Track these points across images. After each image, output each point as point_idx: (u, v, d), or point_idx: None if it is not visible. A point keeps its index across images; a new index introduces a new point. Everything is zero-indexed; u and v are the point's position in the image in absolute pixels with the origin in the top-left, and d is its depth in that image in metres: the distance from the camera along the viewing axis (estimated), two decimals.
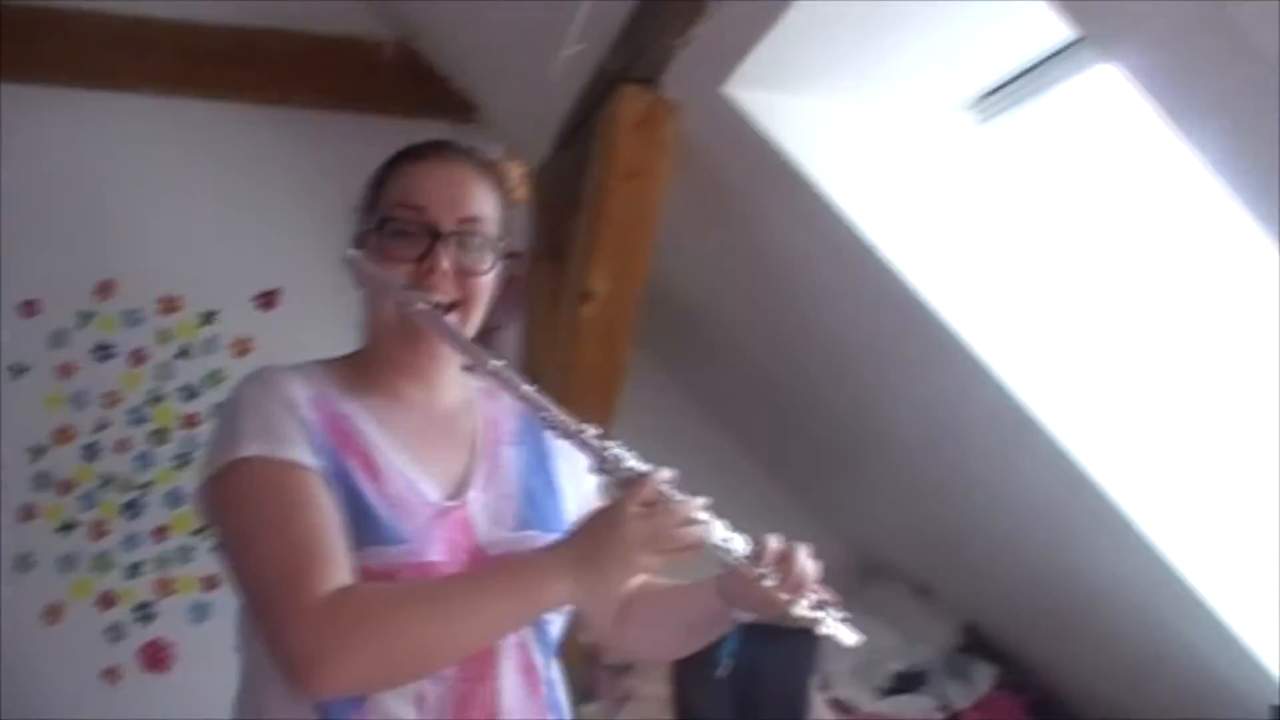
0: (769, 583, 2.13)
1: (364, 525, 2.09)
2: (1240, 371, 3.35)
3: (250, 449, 2.09)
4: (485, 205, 2.27)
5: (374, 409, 2.23)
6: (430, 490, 2.18)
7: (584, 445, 2.08)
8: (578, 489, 2.38)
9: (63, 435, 5.04)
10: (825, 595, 2.23)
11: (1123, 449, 3.42)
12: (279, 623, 2.01)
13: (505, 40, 4.35)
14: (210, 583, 4.96)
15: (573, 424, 2.09)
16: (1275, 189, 2.36)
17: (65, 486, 5.03)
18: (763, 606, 2.20)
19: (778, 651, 4.16)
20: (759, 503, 4.00)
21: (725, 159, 3.68)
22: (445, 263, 2.20)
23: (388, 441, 2.19)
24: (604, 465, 2.06)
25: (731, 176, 3.75)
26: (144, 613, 5.07)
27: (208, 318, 5.14)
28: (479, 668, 2.14)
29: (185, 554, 5.06)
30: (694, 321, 4.93)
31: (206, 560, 4.89)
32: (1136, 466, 3.42)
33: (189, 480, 4.84)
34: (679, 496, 2.03)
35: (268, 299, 5.14)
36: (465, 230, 2.23)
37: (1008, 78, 3.29)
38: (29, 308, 5.00)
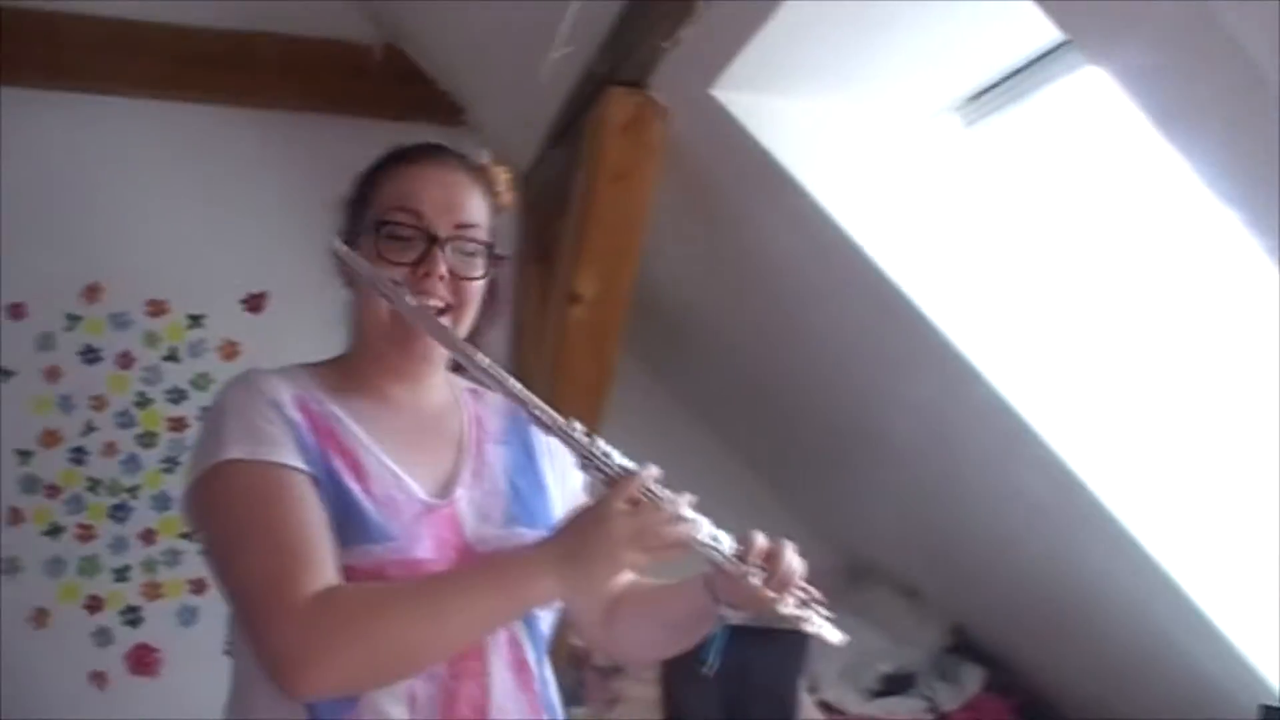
0: (754, 580, 2.13)
1: (352, 524, 2.09)
2: (1231, 375, 3.36)
3: (234, 452, 2.09)
4: (479, 211, 2.28)
5: (360, 410, 2.23)
6: (417, 489, 2.19)
7: (572, 442, 2.08)
8: (564, 487, 2.39)
9: (50, 438, 5.03)
10: (811, 593, 2.23)
11: (1113, 451, 3.42)
12: (264, 625, 2.01)
13: (493, 43, 4.35)
14: (198, 586, 4.95)
15: (561, 421, 2.09)
16: (1263, 191, 2.36)
17: (53, 490, 5.02)
18: (749, 604, 2.20)
19: (767, 653, 4.17)
20: (746, 504, 3.99)
21: (713, 161, 3.68)
22: (442, 268, 2.20)
23: (374, 441, 2.19)
24: (591, 462, 2.06)
25: (719, 178, 3.76)
26: (132, 616, 5.06)
27: (195, 321, 5.13)
28: (470, 665, 2.14)
29: (173, 557, 5.06)
30: (682, 323, 4.93)
31: (194, 564, 4.85)
32: (1127, 469, 3.43)
33: (177, 483, 4.83)
34: (665, 494, 2.03)
35: (255, 302, 5.14)
36: (460, 236, 2.24)
37: (995, 80, 3.30)
38: (16, 310, 4.99)
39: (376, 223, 2.23)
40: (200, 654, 4.61)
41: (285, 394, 2.17)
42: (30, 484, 5.01)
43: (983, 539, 4.14)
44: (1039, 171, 3.47)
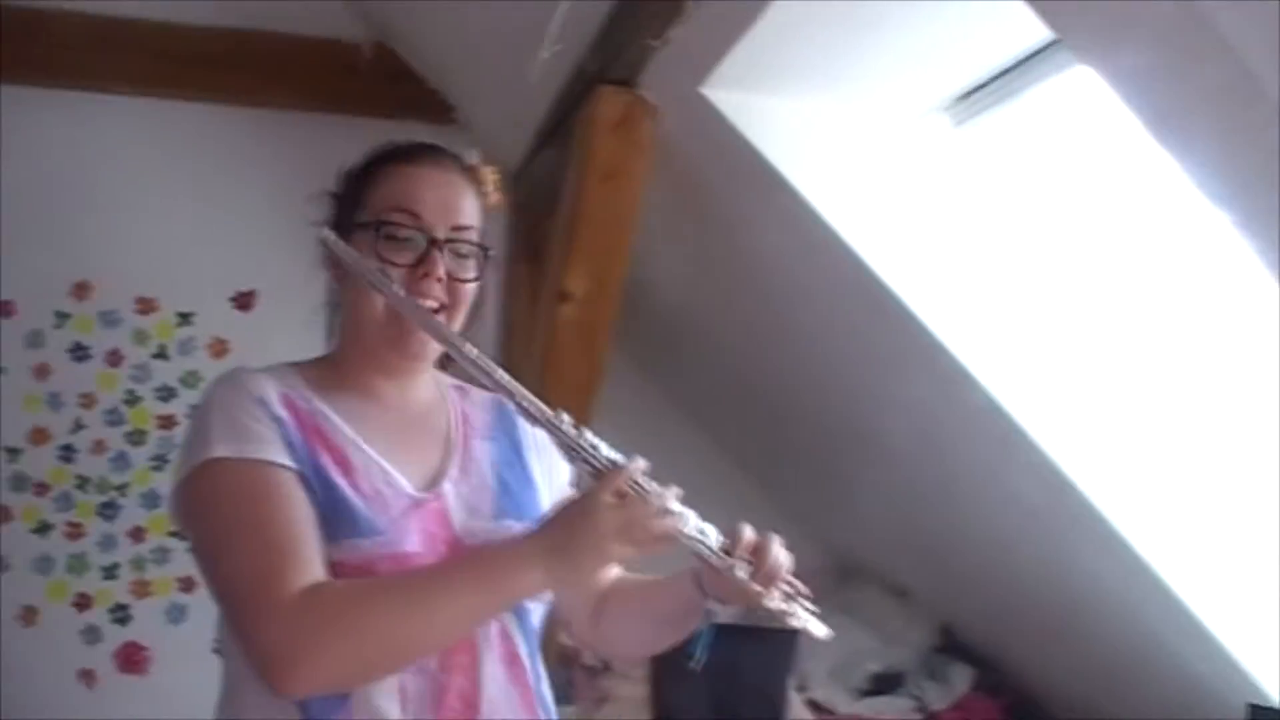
0: (740, 573, 2.13)
1: (340, 519, 2.08)
2: (1224, 376, 3.37)
3: (221, 450, 2.08)
4: (473, 213, 2.28)
5: (348, 407, 2.23)
6: (405, 483, 2.18)
7: (559, 434, 2.08)
8: (552, 482, 2.39)
9: (39, 436, 5.02)
10: (797, 587, 2.23)
11: (1104, 452, 3.43)
12: (252, 623, 2.01)
13: (484, 41, 4.35)
14: (187, 584, 4.95)
15: (549, 413, 2.09)
16: (1255, 193, 2.37)
17: (41, 488, 5.02)
18: (736, 598, 2.20)
19: (756, 652, 4.18)
20: (736, 503, 3.98)
21: (703, 160, 3.68)
22: (441, 270, 2.20)
23: (362, 437, 2.19)
24: (579, 454, 2.06)
25: (709, 177, 3.76)
26: (121, 614, 5.06)
27: (184, 319, 5.13)
28: (461, 659, 2.14)
29: (162, 555, 5.05)
30: (672, 322, 4.93)
31: (183, 561, 4.86)
32: (1118, 470, 3.44)
33: (166, 481, 4.79)
34: (652, 487, 2.03)
35: (244, 300, 5.13)
36: (457, 238, 2.24)
37: (984, 79, 3.30)
38: (5, 308, 4.98)
39: (375, 223, 2.22)
40: (189, 652, 4.61)
41: (272, 392, 2.17)
42: (19, 482, 5.00)
43: (973, 539, 4.14)
44: (1029, 171, 3.48)
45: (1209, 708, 3.66)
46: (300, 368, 2.30)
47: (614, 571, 2.47)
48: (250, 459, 2.08)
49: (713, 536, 2.13)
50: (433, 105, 5.11)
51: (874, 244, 3.36)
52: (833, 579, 5.12)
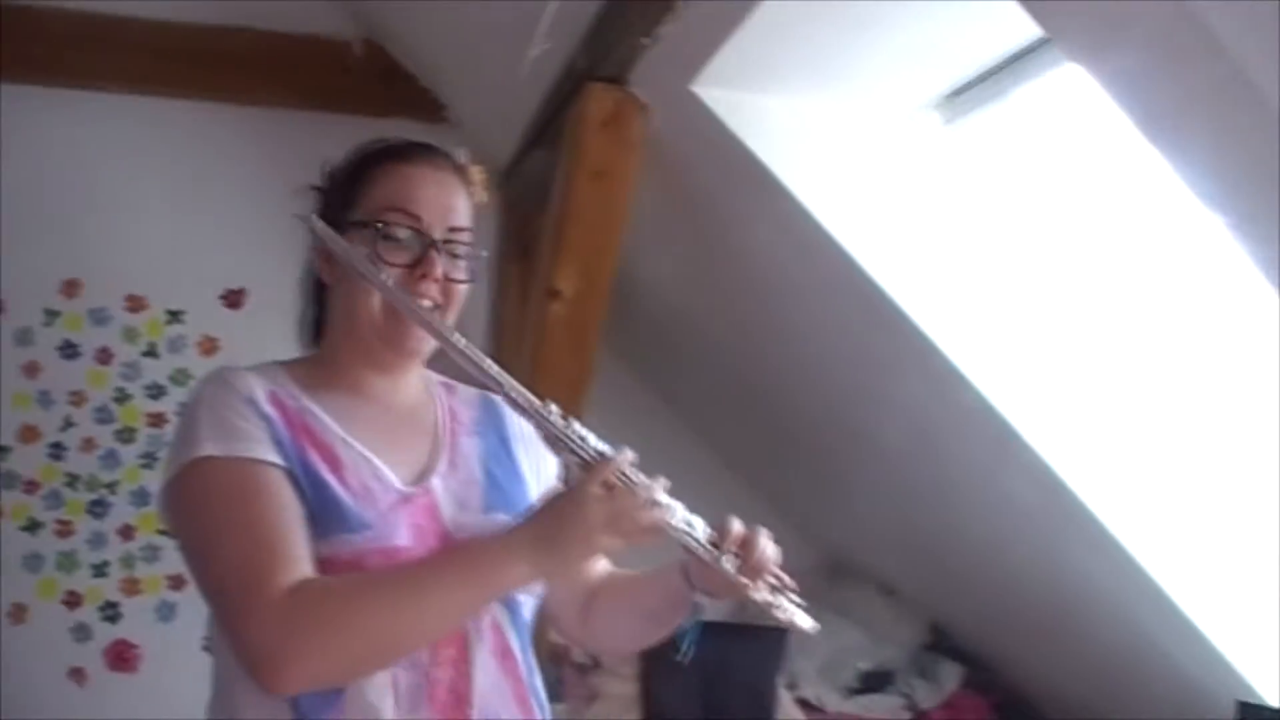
0: (728, 565, 2.13)
1: (329, 515, 2.08)
2: (1215, 376, 3.37)
3: (209, 449, 2.08)
4: (467, 214, 2.28)
5: (335, 404, 2.22)
6: (394, 478, 2.18)
7: (547, 425, 2.08)
8: (540, 476, 2.39)
9: (29, 434, 5.02)
10: (784, 580, 2.23)
11: (1096, 453, 3.43)
12: (241, 622, 2.01)
13: (473, 39, 4.35)
14: (177, 582, 4.95)
15: (537, 404, 2.09)
16: (1246, 193, 2.37)
17: (31, 485, 5.02)
18: (725, 590, 2.20)
19: (745, 650, 4.18)
20: (726, 502, 3.98)
21: (693, 157, 3.68)
22: (439, 270, 2.20)
23: (350, 434, 2.19)
24: (566, 445, 2.06)
25: (700, 175, 3.76)
26: (110, 612, 5.06)
27: (174, 316, 5.13)
28: (452, 653, 2.13)
29: (152, 553, 5.05)
30: (662, 320, 4.93)
31: (173, 559, 4.84)
32: (1110, 471, 3.44)
33: (155, 479, 4.79)
34: (640, 478, 2.03)
35: (234, 298, 5.13)
36: (453, 239, 2.24)
37: (975, 77, 3.30)
38: None
39: (372, 222, 2.21)
40: (179, 650, 4.63)
41: (259, 390, 2.16)
42: (8, 480, 5.00)
43: (965, 538, 4.14)
44: (1020, 169, 3.48)
45: (1199, 705, 3.66)
46: (288, 366, 2.29)
47: (602, 567, 2.47)
48: (239, 457, 2.08)
49: (700, 529, 2.14)
50: (423, 103, 5.12)
51: (865, 242, 3.36)
52: (823, 577, 5.12)
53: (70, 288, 5.04)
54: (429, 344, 2.24)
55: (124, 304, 5.09)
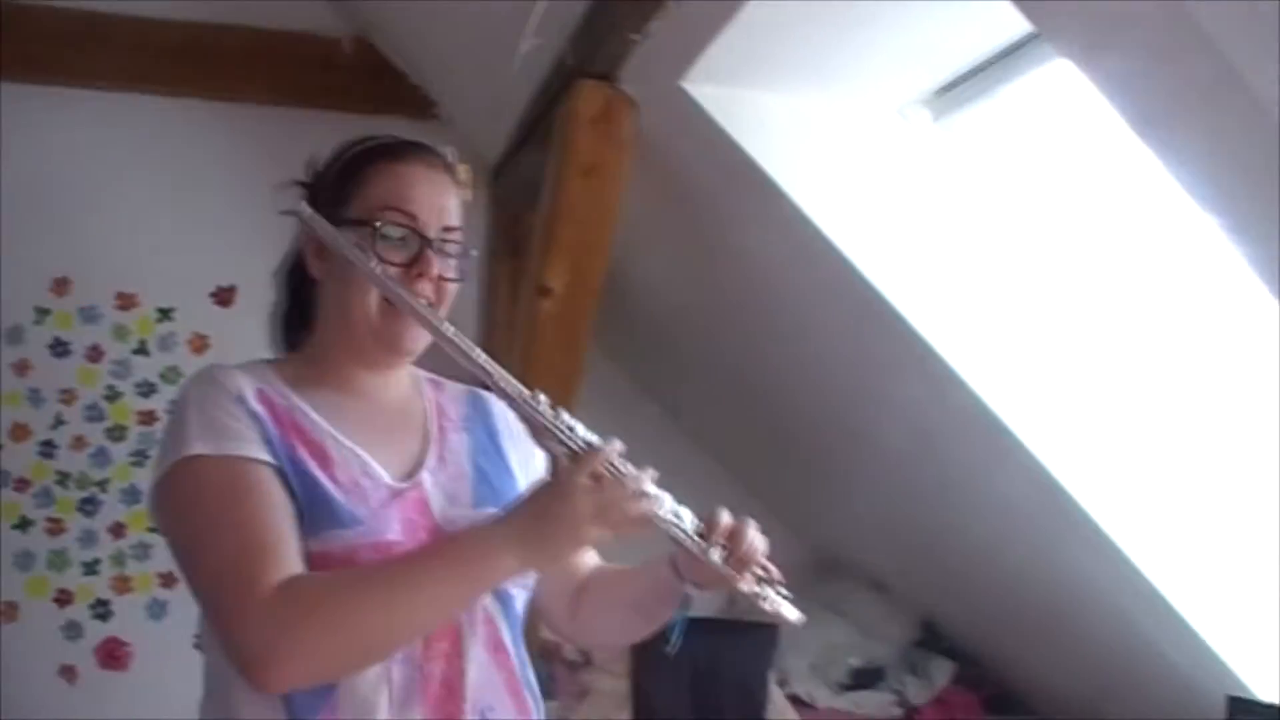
0: (715, 557, 2.13)
1: (321, 511, 2.08)
2: (1208, 376, 3.38)
3: (198, 448, 2.08)
4: (458, 213, 2.28)
5: (324, 401, 2.22)
6: (384, 474, 2.18)
7: (537, 415, 2.08)
8: (528, 472, 2.38)
9: (19, 432, 5.02)
10: (771, 571, 2.23)
11: (1089, 451, 3.45)
12: (230, 621, 2.00)
13: (463, 36, 4.35)
14: (168, 580, 4.93)
15: (526, 394, 2.09)
16: (1236, 190, 2.37)
17: (22, 483, 5.01)
18: (713, 582, 2.20)
19: (736, 645, 4.18)
20: (717, 500, 4.00)
21: (684, 154, 3.68)
22: (435, 270, 2.21)
23: (339, 430, 2.19)
24: (556, 435, 2.06)
25: (690, 171, 3.76)
26: (101, 610, 5.05)
27: (165, 314, 5.13)
28: (445, 646, 2.14)
29: (143, 551, 5.05)
30: (653, 317, 4.93)
31: (164, 557, 4.74)
32: (1103, 469, 3.45)
33: (146, 477, 4.79)
34: (628, 469, 2.03)
35: (224, 296, 5.13)
36: (447, 239, 2.24)
37: (965, 72, 3.30)
38: None
39: (370, 221, 2.21)
40: (170, 648, 4.61)
41: (248, 388, 2.16)
42: None
43: (958, 537, 4.15)
44: (1009, 165, 3.48)
45: (1191, 700, 3.67)
46: (276, 364, 2.29)
47: (592, 561, 2.48)
48: (228, 456, 2.07)
49: (688, 520, 2.14)
50: (414, 100, 5.12)
51: (855, 238, 3.36)
52: (814, 574, 5.13)
53: (60, 286, 5.04)
54: (423, 344, 2.24)
55: (114, 302, 5.08)
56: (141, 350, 5.11)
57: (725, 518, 2.17)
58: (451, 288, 2.25)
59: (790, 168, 3.35)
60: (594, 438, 2.06)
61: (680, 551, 2.19)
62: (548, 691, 4.31)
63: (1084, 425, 3.45)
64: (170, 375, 5.08)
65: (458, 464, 2.29)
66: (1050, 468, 3.44)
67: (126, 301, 5.09)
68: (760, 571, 2.21)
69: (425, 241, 2.21)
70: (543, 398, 2.09)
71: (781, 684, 4.57)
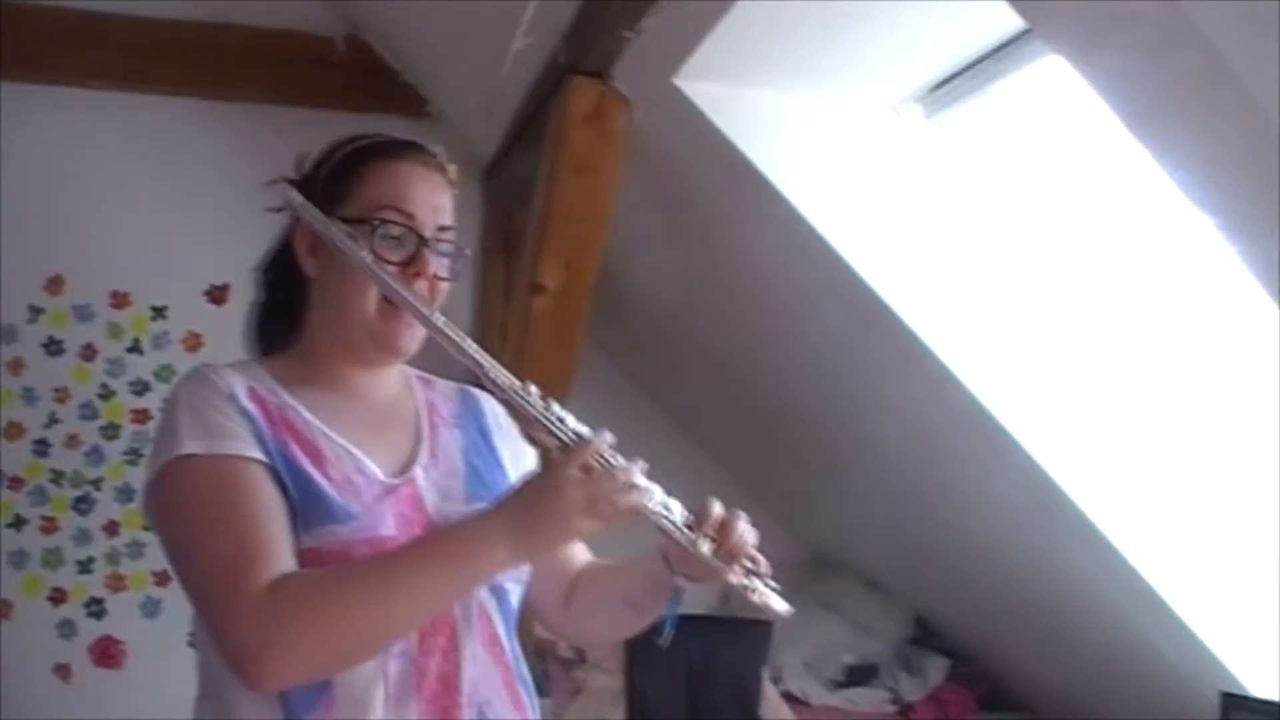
0: (703, 548, 2.14)
1: (315, 507, 2.08)
2: (1201, 373, 3.38)
3: (190, 447, 2.08)
4: (451, 212, 2.28)
5: (316, 399, 2.22)
6: (377, 470, 2.18)
7: (528, 406, 2.08)
8: (519, 468, 2.38)
9: (13, 431, 5.02)
10: (760, 563, 2.23)
11: (1083, 450, 3.45)
12: (222, 620, 2.00)
13: (456, 35, 4.35)
14: (162, 578, 4.94)
15: (516, 385, 2.09)
16: (1230, 187, 2.38)
17: (16, 482, 5.01)
18: (703, 574, 2.20)
19: (730, 643, 4.18)
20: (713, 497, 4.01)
21: (676, 150, 3.68)
22: (432, 269, 2.21)
23: (332, 428, 2.18)
24: (546, 427, 2.06)
25: (682, 168, 3.76)
26: (96, 609, 5.05)
27: (158, 313, 5.13)
28: (440, 641, 2.14)
29: (136, 549, 5.05)
30: (647, 314, 4.93)
31: (158, 555, 4.71)
32: (1097, 467, 3.45)
33: (140, 475, 4.81)
34: (619, 461, 2.04)
35: (218, 294, 5.12)
36: (441, 239, 2.24)
37: (958, 69, 3.30)
38: None
39: (369, 220, 2.21)
40: (164, 646, 4.61)
41: (239, 386, 2.16)
42: None
43: (954, 536, 4.15)
44: (1004, 162, 3.48)
45: (1183, 696, 3.68)
46: (267, 363, 2.29)
47: (584, 557, 2.48)
48: (220, 455, 2.07)
49: (678, 512, 2.14)
50: (407, 98, 5.13)
51: (848, 234, 3.37)
52: (809, 571, 5.13)
53: (54, 284, 5.04)
54: (417, 343, 2.24)
55: (108, 300, 5.09)
56: (135, 349, 5.11)
57: (716, 509, 2.17)
58: (445, 287, 2.26)
59: (783, 164, 3.35)
60: (584, 429, 2.06)
61: (670, 544, 2.19)
62: (542, 689, 4.30)
63: (1079, 423, 3.45)
64: (164, 374, 5.08)
65: (450, 460, 2.30)
66: (1045, 465, 3.44)
67: (120, 300, 5.09)
68: (749, 563, 2.21)
69: (422, 241, 2.21)
70: (533, 389, 2.09)
71: (776, 681, 4.57)
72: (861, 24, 3.06)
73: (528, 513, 2.02)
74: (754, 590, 2.22)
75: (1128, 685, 3.96)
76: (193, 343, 5.12)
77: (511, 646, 2.26)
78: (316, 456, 2.13)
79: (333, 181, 2.27)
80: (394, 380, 2.36)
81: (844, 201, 3.38)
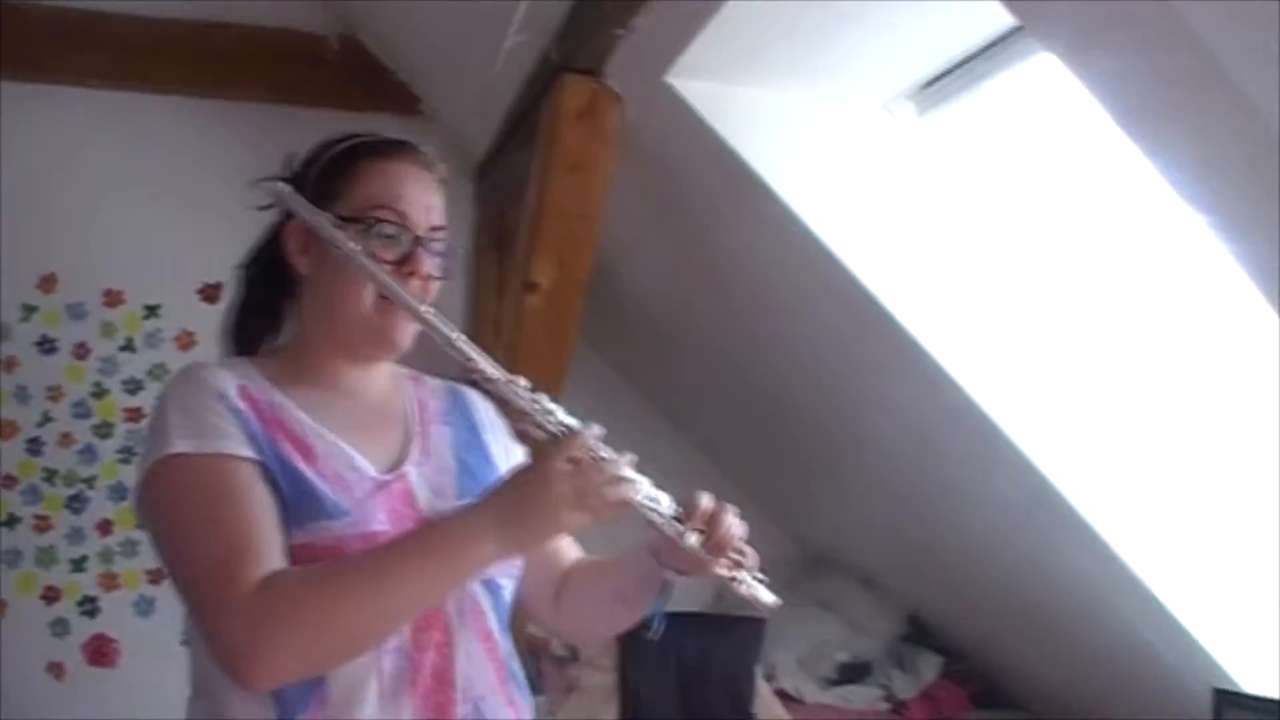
0: (691, 541, 2.14)
1: (307, 503, 2.08)
2: (1194, 372, 3.39)
3: (180, 446, 2.08)
4: (443, 211, 2.29)
5: (306, 397, 2.22)
6: (368, 466, 2.18)
7: (516, 398, 2.08)
8: (509, 464, 2.37)
9: (6, 429, 5.01)
10: (748, 556, 2.23)
11: (1078, 449, 3.45)
12: (212, 619, 2.00)
13: (449, 33, 4.35)
14: (155, 577, 4.94)
15: (505, 376, 2.10)
16: (1223, 186, 2.38)
17: (9, 481, 5.01)
18: (694, 567, 2.20)
19: (723, 640, 4.18)
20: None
21: (668, 148, 3.68)
22: (426, 269, 2.21)
23: (322, 425, 2.19)
24: (534, 419, 2.06)
25: (675, 165, 3.76)
26: (89, 607, 5.05)
27: (151, 311, 5.12)
28: (436, 636, 2.14)
29: (130, 548, 5.05)
30: (640, 312, 4.93)
31: (151, 554, 4.76)
32: (1091, 465, 3.46)
33: (133, 474, 4.81)
34: (608, 453, 2.04)
35: (211, 293, 5.11)
36: (434, 238, 2.24)
37: (950, 67, 3.30)
38: None
39: (364, 219, 2.21)
40: (158, 644, 4.61)
41: (230, 385, 2.16)
42: None
43: (948, 534, 4.15)
44: (996, 159, 3.49)
45: (1176, 692, 3.68)
46: (257, 361, 2.29)
47: (574, 553, 2.49)
48: (210, 453, 2.07)
49: (666, 504, 2.14)
50: (400, 97, 5.13)
51: (840, 232, 3.37)
52: (802, 569, 5.13)
53: (47, 283, 5.03)
54: (411, 339, 2.24)
55: (101, 299, 5.08)
56: (128, 347, 5.11)
57: (704, 502, 2.17)
58: (436, 285, 2.26)
59: (775, 162, 3.35)
60: (573, 421, 2.06)
61: (659, 537, 2.19)
62: (536, 687, 4.32)
63: (1072, 422, 3.45)
64: (157, 372, 5.08)
65: (441, 457, 2.30)
66: (1039, 465, 3.44)
67: (113, 298, 5.09)
68: (737, 556, 2.21)
69: (417, 240, 2.21)
70: (522, 381, 2.10)
71: (769, 679, 4.57)
72: (853, 22, 3.06)
73: (516, 506, 2.02)
74: (741, 582, 2.22)
75: (1122, 682, 3.96)
76: (186, 341, 5.12)
77: (505, 642, 2.26)
78: (308, 453, 2.13)
79: (324, 181, 2.27)
80: (384, 378, 2.36)
81: (836, 199, 3.38)
